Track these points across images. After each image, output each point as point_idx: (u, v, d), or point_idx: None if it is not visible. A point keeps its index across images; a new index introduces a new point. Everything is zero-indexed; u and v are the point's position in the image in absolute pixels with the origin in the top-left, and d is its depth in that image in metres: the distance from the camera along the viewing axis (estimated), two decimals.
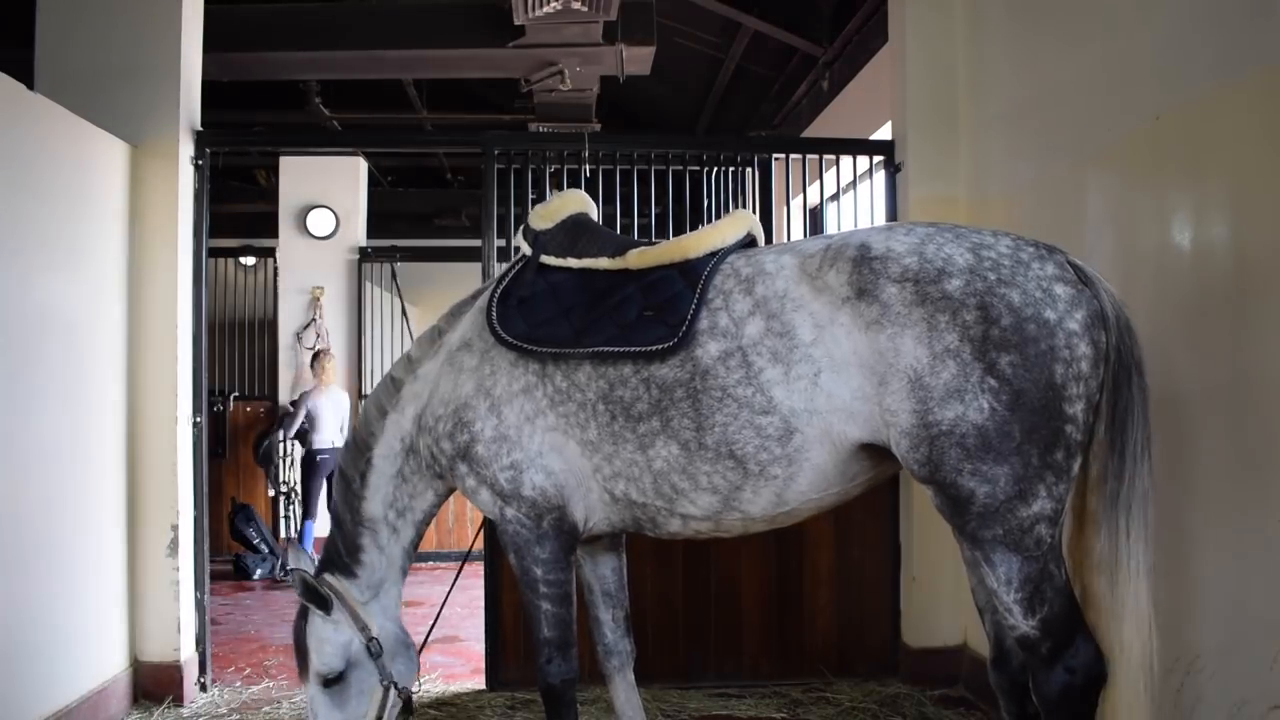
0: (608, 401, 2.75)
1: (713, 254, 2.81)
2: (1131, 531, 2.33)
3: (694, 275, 2.77)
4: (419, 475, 3.12)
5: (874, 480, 2.72)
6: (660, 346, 2.68)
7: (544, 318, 2.86)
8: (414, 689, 3.22)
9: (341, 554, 3.16)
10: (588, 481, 2.84)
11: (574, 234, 3.05)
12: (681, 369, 2.66)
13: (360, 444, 3.17)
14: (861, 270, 2.48)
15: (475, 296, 3.21)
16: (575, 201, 3.17)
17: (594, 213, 3.23)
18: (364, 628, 3.06)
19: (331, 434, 7.51)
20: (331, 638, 3.05)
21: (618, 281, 2.87)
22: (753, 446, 2.58)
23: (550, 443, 2.83)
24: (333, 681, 3.04)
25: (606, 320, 2.78)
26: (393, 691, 3.07)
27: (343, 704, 3.05)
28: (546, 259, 3.01)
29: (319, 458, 7.46)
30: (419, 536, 3.22)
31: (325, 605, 3.04)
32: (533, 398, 2.84)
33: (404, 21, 6.14)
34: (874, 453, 2.57)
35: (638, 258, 2.88)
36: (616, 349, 2.73)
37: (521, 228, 3.19)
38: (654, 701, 4.06)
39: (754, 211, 4.81)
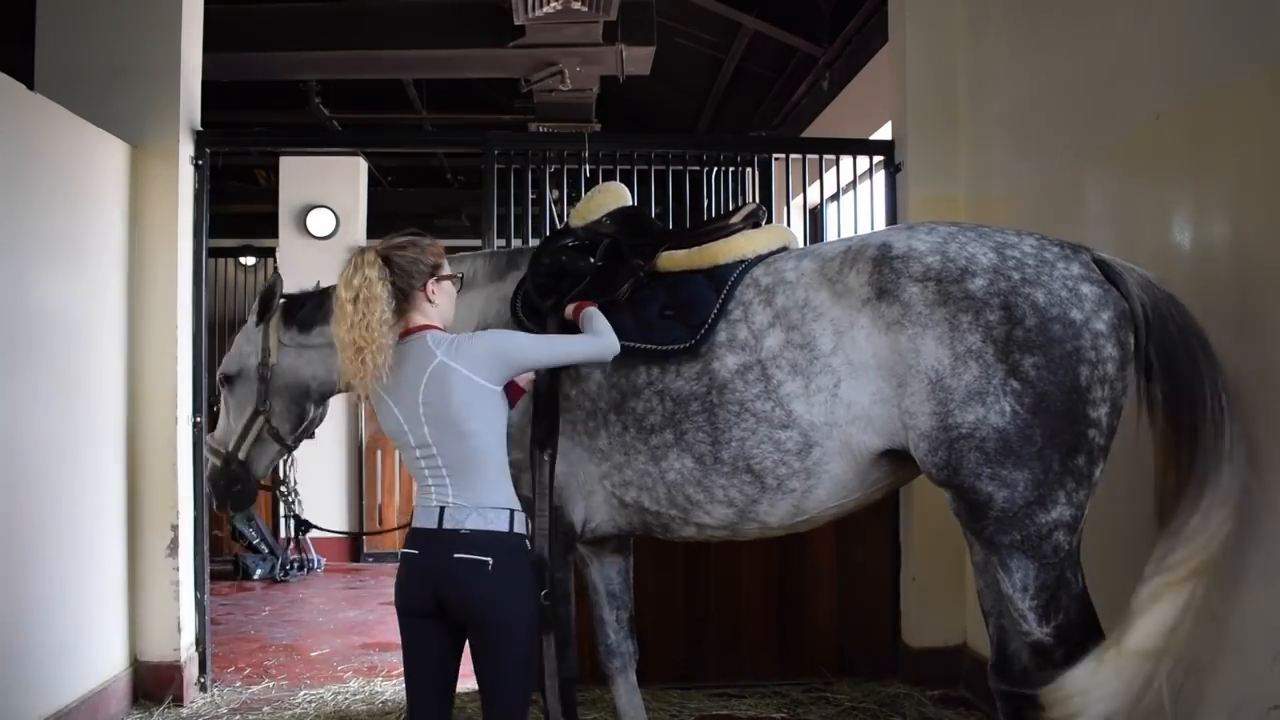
0: (619, 412, 2.70)
1: (741, 262, 2.76)
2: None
3: (720, 280, 2.71)
4: None
5: (893, 486, 2.69)
6: (677, 347, 2.63)
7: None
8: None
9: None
10: (591, 485, 2.80)
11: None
12: (697, 382, 2.60)
13: None
14: (882, 270, 2.43)
15: (504, 275, 3.08)
16: (611, 197, 3.12)
17: (629, 204, 3.18)
18: (267, 352, 3.14)
19: None
20: (239, 342, 3.21)
21: (641, 279, 2.83)
22: (771, 461, 2.53)
23: None
24: (226, 381, 3.24)
25: (625, 315, 2.72)
26: (262, 420, 3.15)
27: (230, 409, 3.24)
28: None
29: None
30: None
31: (261, 312, 3.16)
32: None
33: (404, 21, 6.13)
34: (894, 458, 2.54)
35: (666, 260, 2.84)
36: (632, 344, 2.66)
37: (564, 225, 3.16)
38: (654, 701, 4.04)
39: None
